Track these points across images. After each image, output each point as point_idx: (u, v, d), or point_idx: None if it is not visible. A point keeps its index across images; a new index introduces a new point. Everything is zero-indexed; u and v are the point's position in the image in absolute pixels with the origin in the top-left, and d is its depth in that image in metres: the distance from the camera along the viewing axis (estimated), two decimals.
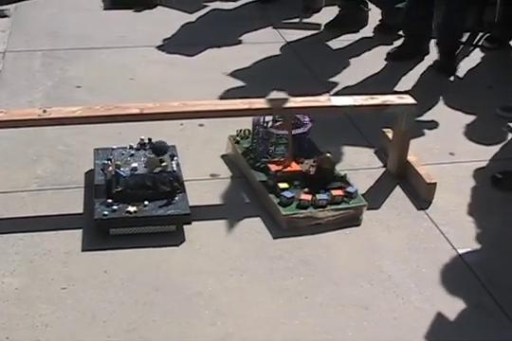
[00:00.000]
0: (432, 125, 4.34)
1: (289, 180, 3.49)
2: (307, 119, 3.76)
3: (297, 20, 5.93)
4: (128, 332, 2.72)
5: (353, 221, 3.39)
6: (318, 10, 6.20)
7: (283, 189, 3.41)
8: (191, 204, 3.32)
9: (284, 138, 3.66)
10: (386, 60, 5.25)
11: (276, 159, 3.64)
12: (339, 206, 3.39)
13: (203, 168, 3.77)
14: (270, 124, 3.77)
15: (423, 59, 5.23)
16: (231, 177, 3.72)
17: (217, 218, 3.39)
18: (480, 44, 5.54)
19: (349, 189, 3.44)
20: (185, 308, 2.86)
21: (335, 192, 3.42)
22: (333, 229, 3.34)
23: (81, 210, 3.40)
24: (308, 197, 3.37)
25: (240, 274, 3.06)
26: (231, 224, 3.37)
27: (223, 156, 3.87)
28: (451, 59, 5.15)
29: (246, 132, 3.85)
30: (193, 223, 3.25)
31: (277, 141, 3.69)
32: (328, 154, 3.56)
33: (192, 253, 3.16)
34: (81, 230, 3.26)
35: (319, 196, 3.38)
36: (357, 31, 5.77)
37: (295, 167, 3.59)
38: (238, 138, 3.86)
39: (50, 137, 3.99)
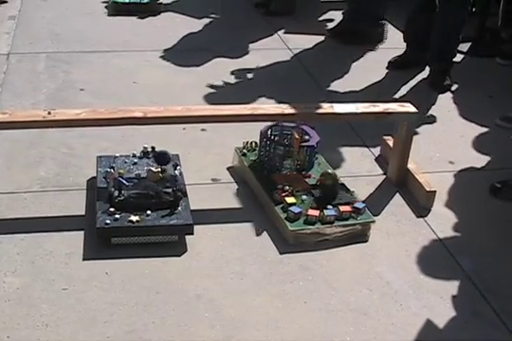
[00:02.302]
0: (433, 133, 4.37)
1: (296, 194, 3.46)
2: (315, 132, 3.71)
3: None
4: (128, 334, 2.74)
5: (360, 237, 3.37)
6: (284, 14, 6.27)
7: (291, 204, 3.38)
8: (192, 208, 3.33)
9: (292, 152, 3.61)
10: (387, 68, 5.26)
11: (283, 172, 3.61)
12: (347, 222, 3.35)
13: (204, 172, 3.80)
14: (278, 137, 3.75)
15: (425, 68, 5.24)
16: (233, 182, 3.74)
17: (218, 222, 3.41)
18: (496, 60, 5.55)
19: (357, 205, 3.40)
20: (185, 310, 2.88)
21: (343, 208, 3.37)
22: (340, 245, 3.32)
23: (82, 212, 3.42)
24: (316, 213, 3.33)
25: (240, 277, 3.08)
26: (232, 228, 3.39)
27: (229, 168, 3.85)
28: (444, 76, 5.06)
29: (253, 144, 3.81)
30: (194, 226, 3.25)
31: (284, 154, 3.63)
32: (330, 170, 3.54)
33: (192, 256, 3.18)
34: (82, 232, 3.28)
35: (326, 212, 3.34)
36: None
37: (302, 181, 3.56)
38: (245, 151, 3.81)
39: (53, 139, 4.01)
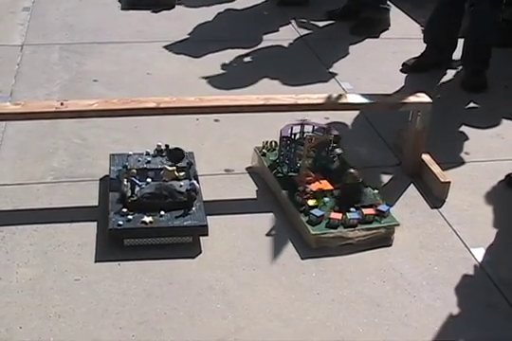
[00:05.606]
0: (447, 124, 4.34)
1: (318, 197, 3.37)
2: (335, 132, 3.63)
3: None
4: (140, 324, 2.74)
5: (384, 241, 3.29)
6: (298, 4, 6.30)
7: (312, 207, 3.29)
8: (205, 198, 3.32)
9: (313, 151, 3.53)
10: (401, 71, 5.06)
11: (304, 173, 3.48)
12: (371, 226, 3.25)
13: (218, 163, 3.79)
14: (298, 136, 3.66)
15: (445, 73, 5.09)
16: (246, 173, 3.73)
17: (231, 213, 3.40)
18: None
19: (381, 208, 3.30)
20: (197, 301, 2.87)
21: (366, 211, 3.27)
22: (363, 250, 3.24)
23: (95, 203, 3.42)
24: (338, 216, 3.23)
25: (252, 268, 3.07)
26: (244, 219, 3.38)
27: (248, 168, 3.78)
28: (480, 76, 4.90)
29: (273, 143, 3.72)
30: (207, 217, 3.23)
31: (305, 154, 3.51)
32: (352, 170, 3.43)
33: (204, 247, 3.17)
34: (95, 223, 3.28)
35: (349, 215, 3.23)
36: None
37: (324, 183, 3.46)
38: (264, 150, 3.72)
39: (66, 130, 4.01)
